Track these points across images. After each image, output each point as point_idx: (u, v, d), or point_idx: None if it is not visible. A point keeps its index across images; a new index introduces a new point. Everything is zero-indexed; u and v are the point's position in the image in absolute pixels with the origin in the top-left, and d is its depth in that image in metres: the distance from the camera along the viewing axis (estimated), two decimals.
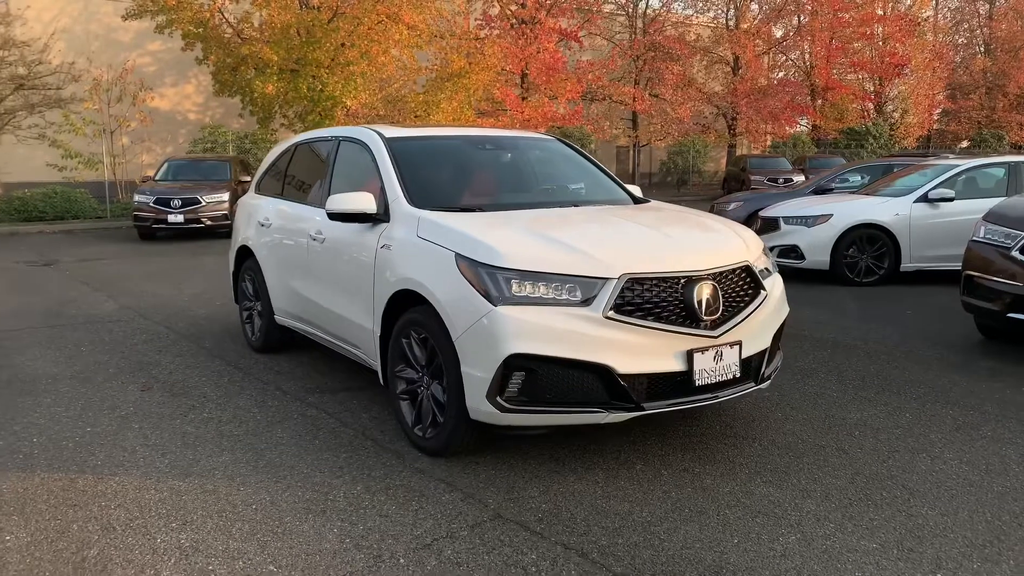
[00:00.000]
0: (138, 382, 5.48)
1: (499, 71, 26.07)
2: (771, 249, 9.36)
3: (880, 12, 36.25)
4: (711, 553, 3.09)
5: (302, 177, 5.78)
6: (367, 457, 4.08)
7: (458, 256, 3.79)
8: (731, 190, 25.44)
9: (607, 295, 3.58)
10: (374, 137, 4.90)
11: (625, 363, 3.58)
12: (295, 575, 2.95)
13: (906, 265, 9.20)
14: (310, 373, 5.66)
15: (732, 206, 12.83)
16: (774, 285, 4.28)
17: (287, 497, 3.60)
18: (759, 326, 4.02)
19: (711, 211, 13.39)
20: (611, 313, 3.56)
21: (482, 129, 5.72)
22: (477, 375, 3.62)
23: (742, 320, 3.87)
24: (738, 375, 3.85)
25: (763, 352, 4.06)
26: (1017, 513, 3.42)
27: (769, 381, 4.17)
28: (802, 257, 9.39)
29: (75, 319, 7.78)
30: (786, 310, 4.41)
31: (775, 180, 24.19)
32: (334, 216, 4.52)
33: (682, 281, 3.71)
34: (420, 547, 3.14)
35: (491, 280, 3.62)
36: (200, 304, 8.47)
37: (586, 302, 3.58)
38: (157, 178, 16.51)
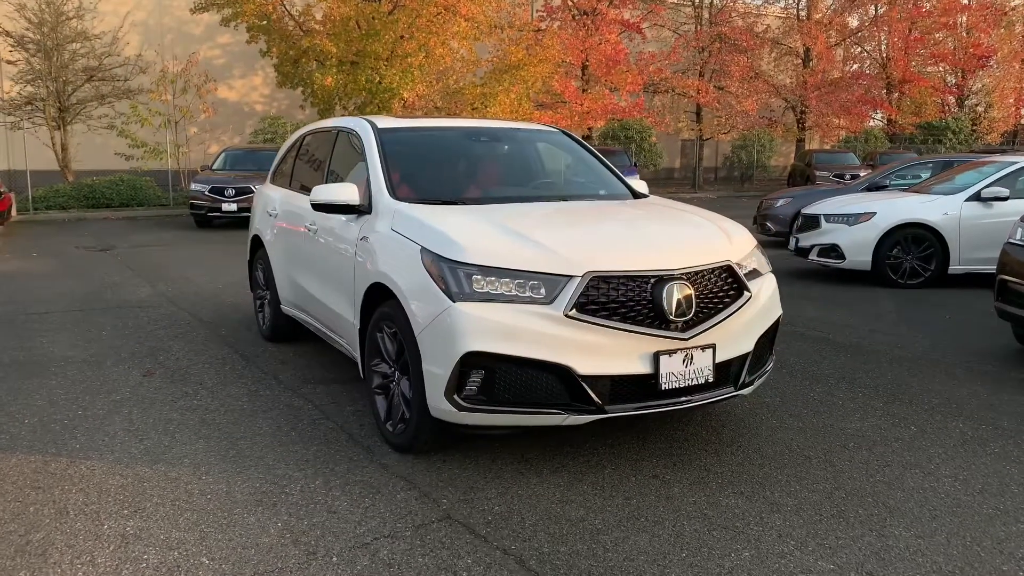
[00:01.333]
0: (143, 367, 5.59)
1: (559, 63, 25.87)
2: (810, 248, 9.05)
3: (964, 1, 34.63)
4: (653, 567, 2.95)
5: (305, 168, 5.80)
6: (337, 451, 4.05)
7: (423, 250, 3.72)
8: (795, 186, 24.69)
9: (569, 293, 3.45)
10: (366, 128, 4.86)
11: (586, 364, 3.45)
12: (225, 568, 2.93)
13: (954, 267, 8.72)
14: (311, 363, 5.68)
15: (780, 203, 12.41)
16: (763, 287, 4.07)
17: (244, 488, 3.60)
18: (741, 329, 3.83)
19: (759, 208, 13.01)
20: (572, 312, 3.43)
21: (483, 121, 5.62)
22: (436, 372, 3.55)
23: (718, 322, 3.69)
24: (711, 380, 3.67)
25: (744, 356, 3.86)
26: (1000, 538, 3.16)
27: (752, 387, 3.97)
28: (842, 257, 8.99)
29: (108, 304, 8.02)
30: (778, 312, 4.20)
31: (841, 176, 23.34)
32: (317, 207, 4.50)
33: (652, 280, 3.56)
34: (358, 546, 3.09)
35: (452, 275, 3.54)
36: (231, 292, 8.62)
37: (549, 300, 3.46)
38: (214, 168, 16.93)
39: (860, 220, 8.96)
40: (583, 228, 4.07)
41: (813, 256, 9.29)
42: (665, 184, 34.50)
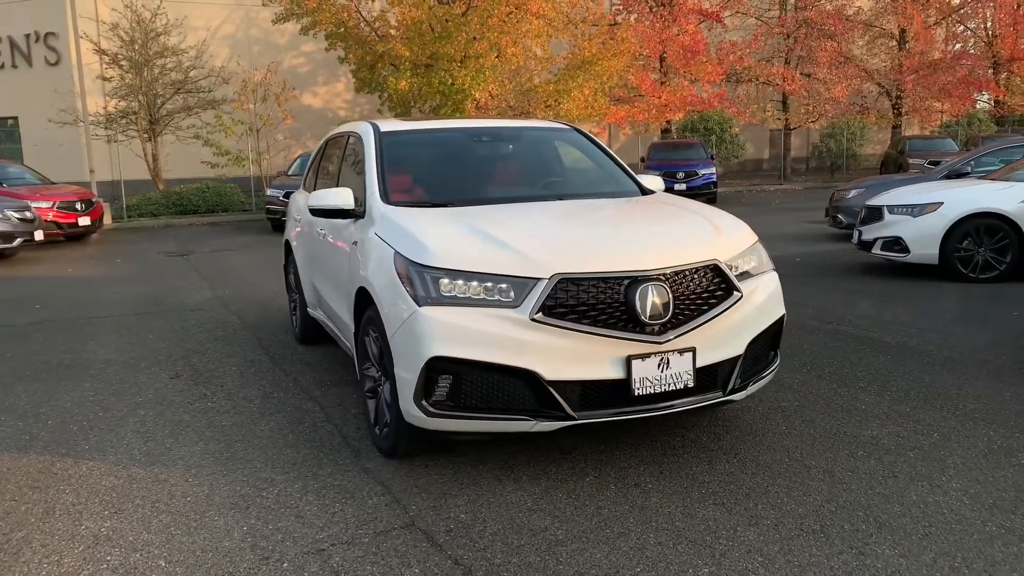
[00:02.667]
0: (174, 370, 5.79)
1: (634, 56, 25.47)
2: (873, 241, 8.59)
3: None
4: None
5: (324, 172, 5.88)
6: (327, 454, 4.08)
7: (395, 253, 3.70)
8: (888, 175, 23.52)
9: (535, 296, 3.36)
10: (368, 131, 4.89)
11: (553, 369, 3.35)
12: (178, 571, 2.98)
13: None
14: (332, 366, 5.75)
15: (852, 193, 11.82)
16: (759, 286, 3.86)
17: (224, 491, 3.67)
18: (729, 331, 3.64)
19: (831, 199, 12.44)
20: (538, 315, 3.34)
21: (491, 121, 5.55)
22: (406, 377, 3.52)
23: (700, 325, 3.52)
24: (691, 385, 3.50)
25: (734, 359, 3.67)
26: (995, 561, 2.89)
27: (744, 392, 3.77)
28: (906, 250, 8.47)
29: (165, 307, 8.36)
30: (779, 313, 3.98)
31: (936, 163, 22.07)
32: (314, 212, 4.54)
33: (625, 282, 3.42)
34: (312, 552, 3.09)
35: (419, 279, 3.50)
36: (282, 296, 8.81)
37: (516, 304, 3.38)
38: (289, 173, 17.46)
39: (926, 211, 8.42)
40: (561, 229, 3.96)
41: (876, 250, 8.80)
42: (751, 176, 33.51)
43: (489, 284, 3.42)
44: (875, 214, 8.90)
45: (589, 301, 3.39)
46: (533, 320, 3.33)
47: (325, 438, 4.32)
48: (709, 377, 3.61)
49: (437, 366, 3.39)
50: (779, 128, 31.62)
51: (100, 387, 5.38)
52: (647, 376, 3.42)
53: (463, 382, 3.42)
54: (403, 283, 3.56)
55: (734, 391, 3.69)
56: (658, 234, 3.87)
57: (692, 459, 3.87)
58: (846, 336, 6.17)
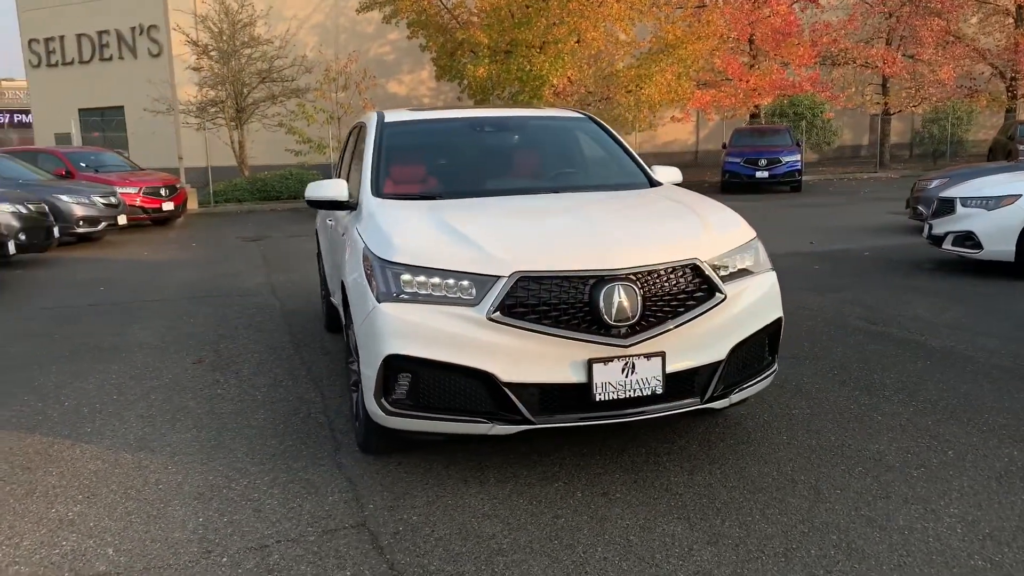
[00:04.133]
0: (198, 354, 5.94)
1: (722, 39, 24.66)
2: (944, 236, 8.03)
3: None
4: None
5: (346, 161, 5.88)
6: (308, 447, 4.08)
7: (365, 248, 3.64)
8: (996, 162, 21.99)
9: (494, 295, 3.23)
10: (372, 121, 4.85)
11: (511, 371, 3.23)
12: (121, 560, 3.02)
13: None
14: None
15: (935, 183, 11.05)
16: (749, 287, 3.61)
17: (196, 480, 3.71)
18: (708, 335, 3.42)
19: (912, 189, 11.70)
20: (496, 315, 3.21)
21: (500, 111, 5.42)
22: (368, 374, 3.47)
23: (674, 328, 3.31)
24: (659, 391, 3.31)
25: (714, 365, 3.45)
26: None
27: (726, 401, 3.53)
28: (979, 246, 7.84)
29: (216, 292, 8.62)
30: (773, 316, 3.73)
31: None
32: (310, 203, 4.54)
33: (591, 281, 3.25)
34: (255, 547, 3.08)
35: (381, 274, 3.43)
36: None
37: (475, 302, 3.26)
38: None
39: (1002, 204, 7.77)
40: (533, 224, 3.79)
41: (947, 245, 8.19)
42: (848, 163, 32.01)
43: (451, 281, 3.31)
44: (947, 207, 8.29)
45: (551, 301, 3.24)
46: (490, 319, 3.21)
47: (313, 430, 4.32)
48: (684, 383, 3.41)
49: (395, 364, 3.32)
50: (879, 113, 30.05)
51: (125, 370, 5.57)
52: (610, 381, 3.24)
53: (421, 381, 3.33)
54: (367, 279, 3.50)
55: (713, 399, 3.47)
56: (635, 231, 3.67)
57: (673, 468, 3.67)
58: (888, 339, 5.76)
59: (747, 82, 25.30)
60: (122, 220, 13.79)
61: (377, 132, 4.68)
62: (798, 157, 19.91)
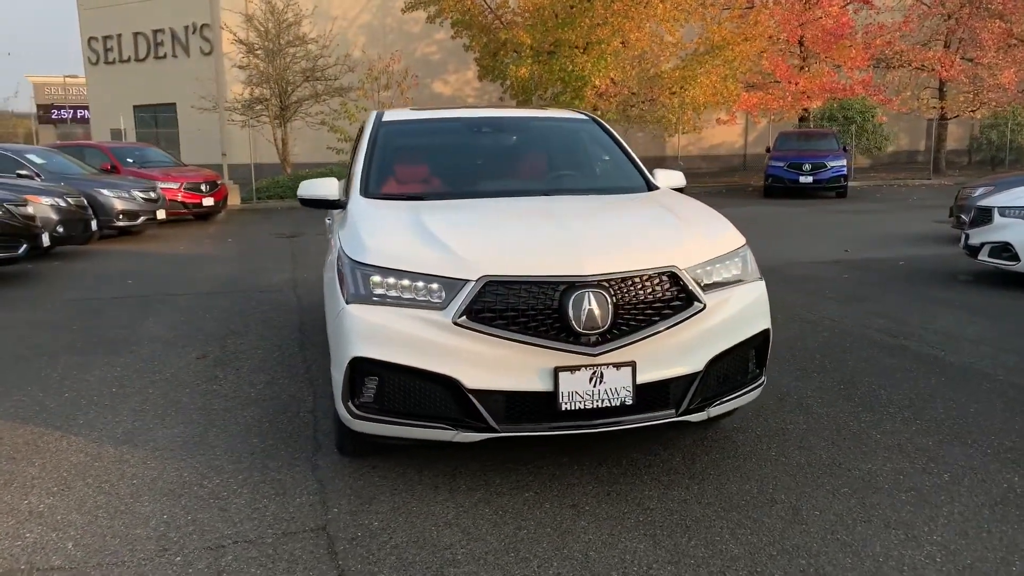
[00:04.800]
0: (204, 350, 5.99)
1: (771, 40, 24.19)
2: (980, 247, 7.72)
3: None
4: None
5: (350, 161, 5.86)
6: (288, 446, 4.06)
7: (340, 248, 3.60)
8: None
9: (461, 299, 3.16)
10: (371, 120, 4.82)
11: (476, 377, 3.15)
12: (78, 554, 3.03)
13: None
14: None
15: (979, 191, 10.65)
16: (733, 297, 3.47)
17: (171, 476, 3.71)
18: (684, 346, 3.30)
19: (956, 197, 11.29)
20: (462, 319, 3.14)
21: (501, 111, 5.32)
22: (336, 376, 3.43)
23: (646, 337, 3.20)
24: (629, 402, 3.20)
25: (690, 377, 3.32)
26: None
27: (702, 414, 3.40)
28: (1016, 258, 7.50)
29: (238, 288, 8.71)
30: (759, 327, 3.57)
31: None
32: (302, 201, 4.53)
33: (561, 287, 3.16)
34: (211, 547, 3.06)
35: (351, 275, 3.39)
36: None
37: (443, 306, 3.20)
38: None
39: None
40: (508, 227, 3.70)
41: (983, 256, 7.86)
42: (902, 168, 31.15)
43: (420, 284, 3.25)
44: (984, 216, 7.95)
45: (519, 307, 3.16)
46: (456, 324, 3.14)
47: (297, 430, 4.30)
48: (657, 395, 3.29)
49: (361, 367, 3.27)
50: (935, 118, 29.14)
51: (130, 364, 5.64)
52: (577, 390, 3.15)
53: (387, 385, 3.28)
54: (339, 279, 3.47)
55: (689, 412, 3.34)
56: (613, 237, 3.56)
57: (650, 482, 3.56)
58: (906, 353, 5.53)
59: (796, 84, 24.80)
60: (161, 214, 14.08)
61: (372, 131, 4.65)
62: (844, 162, 19.41)
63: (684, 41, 23.33)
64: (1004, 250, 7.62)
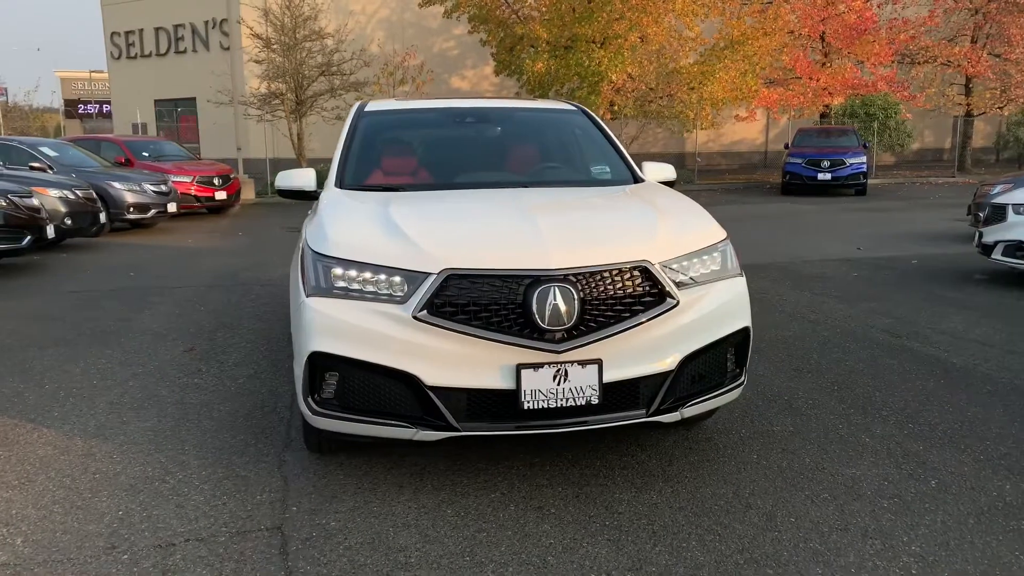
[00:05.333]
0: (193, 343, 5.93)
1: (791, 35, 23.84)
2: (994, 245, 7.50)
3: None
4: None
5: None
6: (259, 441, 3.98)
7: (304, 240, 3.51)
8: None
9: (422, 293, 3.05)
10: (353, 111, 4.72)
11: (436, 374, 3.05)
12: (26, 550, 2.96)
13: None
14: None
15: (997, 188, 10.36)
16: (707, 294, 3.33)
17: (135, 471, 3.64)
18: (655, 343, 3.17)
19: (974, 195, 11.01)
20: (422, 314, 3.03)
21: (485, 101, 5.21)
22: (297, 371, 3.34)
23: (614, 334, 3.07)
24: (595, 401, 3.07)
25: (661, 376, 3.19)
26: None
27: (676, 414, 3.26)
28: None
29: (238, 281, 8.67)
30: (738, 325, 3.42)
31: None
32: (279, 192, 4.45)
33: (526, 281, 3.04)
34: (161, 545, 2.98)
35: (313, 268, 3.29)
36: None
37: (404, 300, 3.09)
38: None
39: None
40: (478, 220, 3.57)
41: (997, 255, 7.62)
42: (927, 166, 30.62)
43: (382, 277, 3.14)
44: (999, 214, 7.71)
45: (482, 301, 3.04)
46: (415, 318, 3.03)
47: (272, 425, 4.22)
48: (625, 394, 3.16)
49: (320, 362, 3.18)
50: (965, 115, 28.57)
51: (116, 356, 5.59)
52: (540, 388, 3.03)
53: (348, 381, 3.18)
54: (302, 271, 3.37)
55: (660, 412, 3.21)
56: (583, 229, 3.43)
57: (623, 484, 3.43)
58: (907, 354, 5.35)
59: (817, 80, 24.42)
60: (172, 208, 14.11)
61: (352, 122, 4.56)
62: (863, 159, 19.06)
63: (703, 36, 23.04)
64: (1019, 248, 7.38)
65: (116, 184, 13.23)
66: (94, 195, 11.76)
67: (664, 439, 3.89)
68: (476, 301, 3.04)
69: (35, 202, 9.52)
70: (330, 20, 22.18)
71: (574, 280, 3.05)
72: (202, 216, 16.35)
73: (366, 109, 4.71)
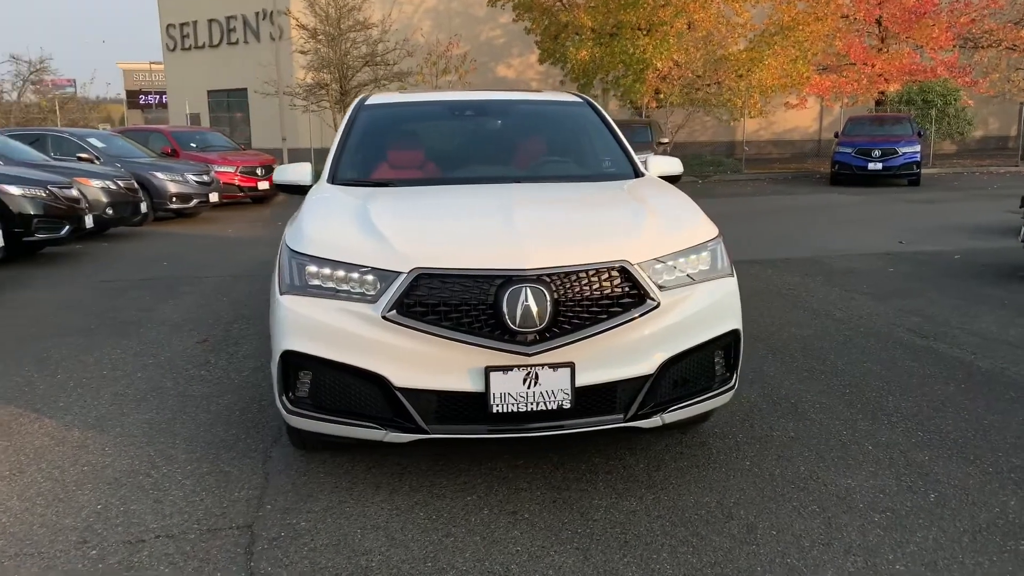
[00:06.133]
0: (208, 334, 6.00)
1: (844, 20, 23.13)
2: None
3: None
4: None
5: None
6: (249, 436, 3.98)
7: (284, 237, 3.49)
8: None
9: (391, 292, 3.00)
10: (353, 105, 4.69)
11: (405, 375, 2.99)
12: (1, 543, 3.00)
13: None
14: None
15: None
16: (692, 295, 3.20)
17: (122, 464, 3.67)
18: (633, 346, 3.06)
19: None
20: (391, 314, 2.97)
21: (495, 94, 5.07)
22: (272, 369, 3.32)
23: (588, 336, 2.97)
24: (567, 406, 2.98)
25: (640, 380, 3.08)
26: None
27: (657, 419, 3.15)
28: None
29: (266, 271, 8.68)
30: (722, 329, 3.28)
31: None
32: (277, 187, 4.44)
33: (497, 281, 2.95)
34: (131, 542, 2.99)
35: (288, 264, 3.27)
36: None
37: (375, 299, 3.04)
38: None
39: None
40: (456, 217, 3.49)
41: None
42: (991, 155, 29.42)
43: (355, 275, 3.10)
44: None
45: (452, 301, 2.97)
46: (384, 318, 2.98)
47: (267, 420, 4.22)
48: (600, 398, 3.06)
49: (293, 361, 3.15)
50: None
51: (131, 346, 5.68)
52: (509, 392, 2.95)
53: (320, 381, 3.15)
54: (279, 268, 3.35)
55: (638, 417, 3.10)
56: (561, 227, 3.33)
57: (604, 490, 3.33)
58: (931, 355, 5.11)
59: (872, 66, 23.68)
60: (214, 197, 14.35)
61: (351, 115, 4.52)
62: (918, 148, 18.37)
63: (752, 22, 22.48)
64: None
65: (159, 174, 13.51)
66: (135, 185, 12.02)
67: (656, 443, 3.77)
68: (447, 301, 2.97)
69: (74, 192, 9.75)
70: (375, 10, 22.25)
71: (548, 280, 2.96)
72: (245, 206, 16.61)
73: (367, 102, 4.66)
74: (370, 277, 3.07)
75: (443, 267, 2.98)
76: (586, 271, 3.02)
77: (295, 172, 4.31)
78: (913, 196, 16.46)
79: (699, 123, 27.40)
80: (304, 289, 3.17)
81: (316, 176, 4.36)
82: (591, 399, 3.04)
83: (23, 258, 9.59)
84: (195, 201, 13.94)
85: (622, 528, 3.02)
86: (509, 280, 2.94)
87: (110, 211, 11.25)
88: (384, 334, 2.99)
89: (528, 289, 2.92)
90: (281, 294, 3.21)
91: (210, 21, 31.28)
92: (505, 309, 2.91)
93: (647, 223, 3.33)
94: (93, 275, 8.69)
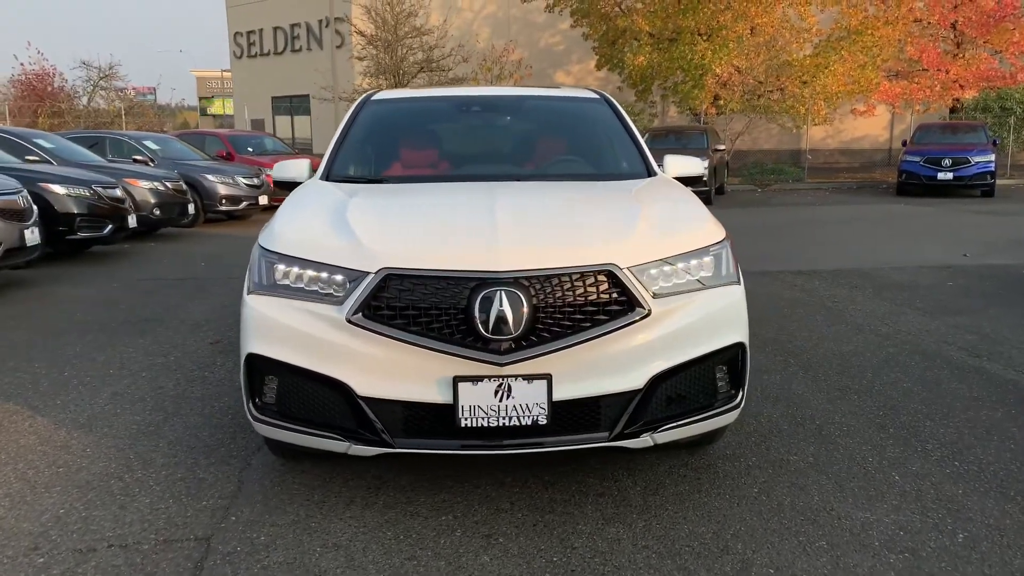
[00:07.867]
0: (222, 335, 5.91)
1: (917, 24, 22.21)
2: None
3: None
4: None
5: None
6: (233, 441, 3.83)
7: (258, 235, 3.32)
8: None
9: (357, 293, 2.79)
10: (360, 99, 4.52)
11: (369, 384, 2.78)
12: None
13: None
14: None
15: None
16: (690, 303, 2.91)
17: (100, 466, 3.56)
18: (619, 358, 2.79)
19: None
20: (356, 317, 2.77)
21: (505, 89, 4.85)
22: (240, 376, 3.15)
23: (567, 346, 2.71)
24: (543, 422, 2.72)
25: (628, 395, 2.80)
26: None
27: (647, 439, 2.86)
28: None
29: None
30: (724, 341, 2.98)
31: None
32: (275, 183, 4.30)
33: (472, 284, 2.72)
34: (82, 550, 2.84)
35: (257, 263, 3.11)
36: None
37: (341, 301, 2.84)
38: None
39: None
40: (428, 216, 3.26)
41: None
42: None
43: (324, 275, 2.90)
44: None
45: (422, 304, 2.75)
46: (349, 321, 2.77)
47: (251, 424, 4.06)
48: (582, 414, 2.79)
49: (256, 365, 2.98)
50: None
51: (145, 345, 5.63)
52: (479, 404, 2.71)
53: (285, 387, 2.96)
54: (250, 267, 3.18)
55: (624, 436, 2.82)
56: (544, 228, 3.06)
57: (592, 513, 3.05)
58: (981, 377, 4.67)
59: (946, 73, 22.66)
60: (263, 200, 14.47)
61: (354, 111, 4.36)
62: (992, 157, 17.41)
63: (818, 27, 21.77)
64: None
65: (210, 176, 13.69)
66: (184, 187, 12.18)
67: (659, 464, 3.48)
68: (416, 304, 2.75)
69: (119, 192, 9.88)
70: (432, 16, 22.31)
71: (526, 284, 2.71)
72: None
73: (372, 98, 4.49)
74: (339, 277, 2.87)
75: (412, 267, 2.77)
76: (568, 275, 2.76)
77: (293, 169, 4.17)
78: (984, 207, 15.61)
79: (763, 130, 26.63)
80: (272, 289, 2.99)
81: (313, 173, 4.20)
82: (571, 415, 2.77)
83: (69, 256, 9.77)
84: (245, 203, 14.08)
85: (603, 559, 2.74)
86: (483, 283, 2.70)
87: (157, 212, 11.40)
88: (349, 339, 2.79)
89: (503, 293, 2.68)
90: (248, 294, 3.04)
91: (275, 29, 31.92)
92: (477, 314, 2.68)
93: (643, 225, 3.05)
94: (131, 274, 8.76)
